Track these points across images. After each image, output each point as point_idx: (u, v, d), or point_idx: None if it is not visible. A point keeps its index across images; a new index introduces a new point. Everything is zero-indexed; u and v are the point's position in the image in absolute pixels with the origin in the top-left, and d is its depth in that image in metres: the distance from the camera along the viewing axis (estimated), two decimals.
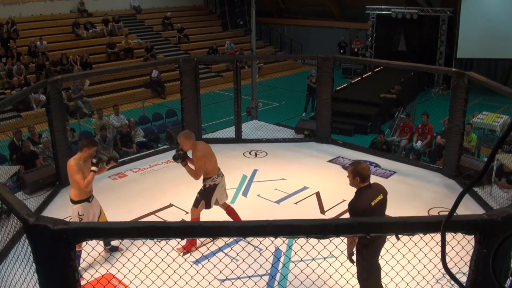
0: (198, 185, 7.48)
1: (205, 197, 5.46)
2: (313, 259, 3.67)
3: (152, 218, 6.25)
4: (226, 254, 4.98)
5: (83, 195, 4.96)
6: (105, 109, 11.58)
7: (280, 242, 5.33)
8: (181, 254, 5.27)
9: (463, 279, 2.48)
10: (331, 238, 2.50)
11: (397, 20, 17.30)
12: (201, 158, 5.28)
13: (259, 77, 12.97)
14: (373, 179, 8.06)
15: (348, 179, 4.24)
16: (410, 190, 7.25)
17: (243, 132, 9.64)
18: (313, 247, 3.24)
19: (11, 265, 4.67)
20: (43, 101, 11.55)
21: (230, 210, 5.78)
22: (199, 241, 5.59)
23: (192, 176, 5.36)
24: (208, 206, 5.49)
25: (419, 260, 3.66)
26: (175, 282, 3.49)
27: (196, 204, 5.51)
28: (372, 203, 3.93)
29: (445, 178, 7.67)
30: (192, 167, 5.39)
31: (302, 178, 7.64)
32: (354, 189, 4.19)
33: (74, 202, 4.98)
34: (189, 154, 5.57)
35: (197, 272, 4.18)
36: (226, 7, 10.19)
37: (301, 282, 3.74)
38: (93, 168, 4.96)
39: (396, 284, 3.54)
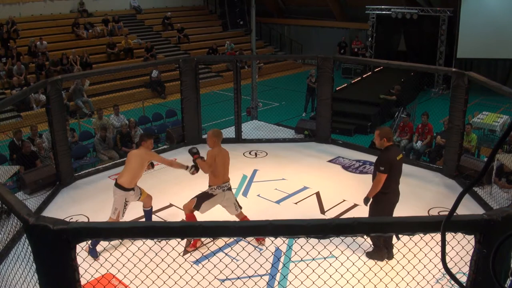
0: (199, 185, 7.48)
1: (198, 197, 5.51)
2: (313, 259, 3.67)
3: (152, 218, 6.25)
4: (226, 254, 4.98)
5: (132, 185, 5.48)
6: (105, 109, 11.57)
7: (280, 242, 5.33)
8: (190, 252, 5.39)
9: (463, 279, 2.48)
10: (331, 238, 2.50)
11: (397, 20, 17.30)
12: (212, 156, 5.36)
13: (259, 77, 12.97)
14: None
15: (376, 141, 5.11)
16: (410, 190, 7.25)
17: (243, 132, 9.64)
18: (313, 247, 3.24)
19: (11, 265, 4.67)
20: (43, 101, 11.55)
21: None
22: (199, 241, 5.58)
23: (202, 168, 5.51)
24: (197, 206, 5.47)
25: (419, 260, 3.66)
26: (175, 282, 3.49)
27: (192, 199, 5.57)
28: (397, 158, 4.99)
29: (445, 178, 7.67)
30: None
31: (302, 178, 7.64)
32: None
33: (125, 189, 5.41)
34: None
35: (197, 272, 4.18)
36: (226, 7, 10.19)
37: (301, 282, 3.74)
38: (192, 169, 5.71)
39: (396, 284, 3.54)
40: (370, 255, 5.14)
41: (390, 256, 5.05)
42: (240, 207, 5.67)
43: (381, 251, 5.12)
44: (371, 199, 5.14)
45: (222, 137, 5.56)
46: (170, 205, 6.72)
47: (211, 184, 5.47)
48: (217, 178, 5.42)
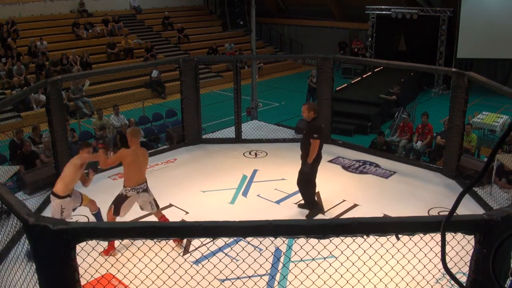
0: (198, 186, 7.49)
1: (115, 203, 5.42)
2: (313, 259, 3.67)
3: (152, 218, 6.24)
4: (226, 254, 4.98)
5: (67, 191, 5.38)
6: (105, 109, 11.58)
7: (280, 242, 5.33)
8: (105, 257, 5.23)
9: (463, 279, 2.48)
10: (331, 238, 2.50)
11: (397, 20, 17.29)
12: (119, 156, 5.33)
13: (259, 77, 12.97)
14: (373, 179, 8.10)
15: (304, 114, 6.20)
16: (410, 190, 7.26)
17: (243, 132, 9.63)
18: (313, 247, 3.24)
19: (11, 265, 4.67)
20: (43, 101, 11.54)
21: (163, 220, 5.62)
22: (199, 241, 5.58)
23: (99, 160, 5.48)
24: (116, 212, 5.39)
25: (419, 260, 3.65)
26: (175, 282, 3.49)
27: (110, 206, 5.47)
28: (322, 125, 6.31)
29: (445, 178, 7.67)
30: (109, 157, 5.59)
31: None
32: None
33: (58, 197, 5.38)
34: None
35: (197, 272, 4.18)
36: (226, 7, 10.17)
37: (301, 282, 3.73)
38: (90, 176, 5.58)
39: (396, 284, 3.54)
40: (310, 214, 6.31)
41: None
42: (157, 207, 5.62)
43: (317, 204, 6.43)
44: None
45: (140, 137, 5.50)
46: (170, 205, 6.72)
47: (125, 185, 5.37)
48: (130, 179, 5.32)
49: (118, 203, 5.40)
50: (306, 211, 6.53)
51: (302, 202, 6.68)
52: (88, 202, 5.80)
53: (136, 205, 6.67)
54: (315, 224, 2.45)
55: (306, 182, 6.36)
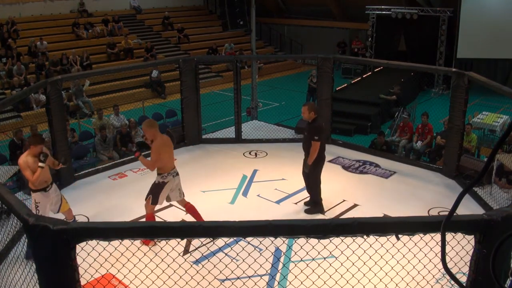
0: (198, 185, 7.50)
1: (152, 193, 5.54)
2: (313, 259, 3.67)
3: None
4: (226, 254, 4.98)
5: (38, 186, 5.29)
6: (105, 109, 11.57)
7: (280, 242, 5.33)
8: (150, 246, 5.38)
9: (463, 279, 2.48)
10: (331, 238, 2.50)
11: (397, 20, 17.30)
12: (157, 149, 5.36)
13: (259, 77, 12.97)
14: (373, 179, 8.10)
15: (304, 115, 6.15)
16: (410, 190, 7.26)
17: (243, 132, 9.63)
18: (313, 247, 3.23)
19: (11, 265, 4.67)
20: (43, 101, 11.54)
21: (188, 207, 5.84)
22: (199, 241, 5.58)
23: (146, 167, 5.57)
24: (155, 201, 5.54)
25: (419, 260, 3.65)
26: (175, 282, 3.49)
27: (146, 197, 5.61)
28: (324, 125, 6.34)
29: (445, 178, 7.67)
30: (148, 158, 5.60)
31: (302, 178, 7.62)
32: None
33: (32, 190, 5.36)
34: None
35: (197, 272, 4.19)
36: (226, 7, 10.17)
37: (301, 282, 3.73)
38: (40, 164, 5.20)
39: (396, 284, 3.53)
40: (310, 211, 6.40)
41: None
42: (183, 194, 5.77)
43: (320, 205, 6.38)
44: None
45: (157, 125, 5.65)
46: (170, 205, 6.71)
47: (161, 172, 5.49)
48: (165, 166, 5.49)
49: (156, 192, 5.51)
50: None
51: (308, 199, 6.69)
52: (66, 211, 5.71)
53: (133, 205, 6.67)
54: (315, 224, 2.45)
55: (314, 183, 6.37)
